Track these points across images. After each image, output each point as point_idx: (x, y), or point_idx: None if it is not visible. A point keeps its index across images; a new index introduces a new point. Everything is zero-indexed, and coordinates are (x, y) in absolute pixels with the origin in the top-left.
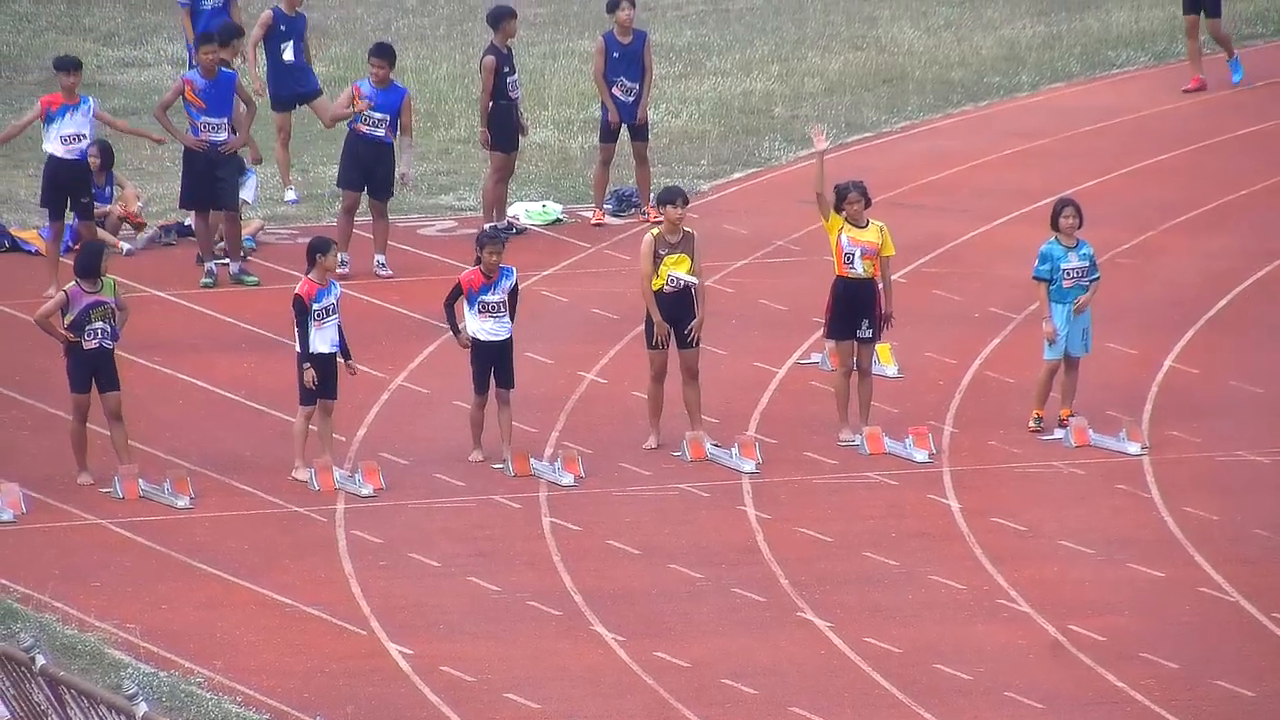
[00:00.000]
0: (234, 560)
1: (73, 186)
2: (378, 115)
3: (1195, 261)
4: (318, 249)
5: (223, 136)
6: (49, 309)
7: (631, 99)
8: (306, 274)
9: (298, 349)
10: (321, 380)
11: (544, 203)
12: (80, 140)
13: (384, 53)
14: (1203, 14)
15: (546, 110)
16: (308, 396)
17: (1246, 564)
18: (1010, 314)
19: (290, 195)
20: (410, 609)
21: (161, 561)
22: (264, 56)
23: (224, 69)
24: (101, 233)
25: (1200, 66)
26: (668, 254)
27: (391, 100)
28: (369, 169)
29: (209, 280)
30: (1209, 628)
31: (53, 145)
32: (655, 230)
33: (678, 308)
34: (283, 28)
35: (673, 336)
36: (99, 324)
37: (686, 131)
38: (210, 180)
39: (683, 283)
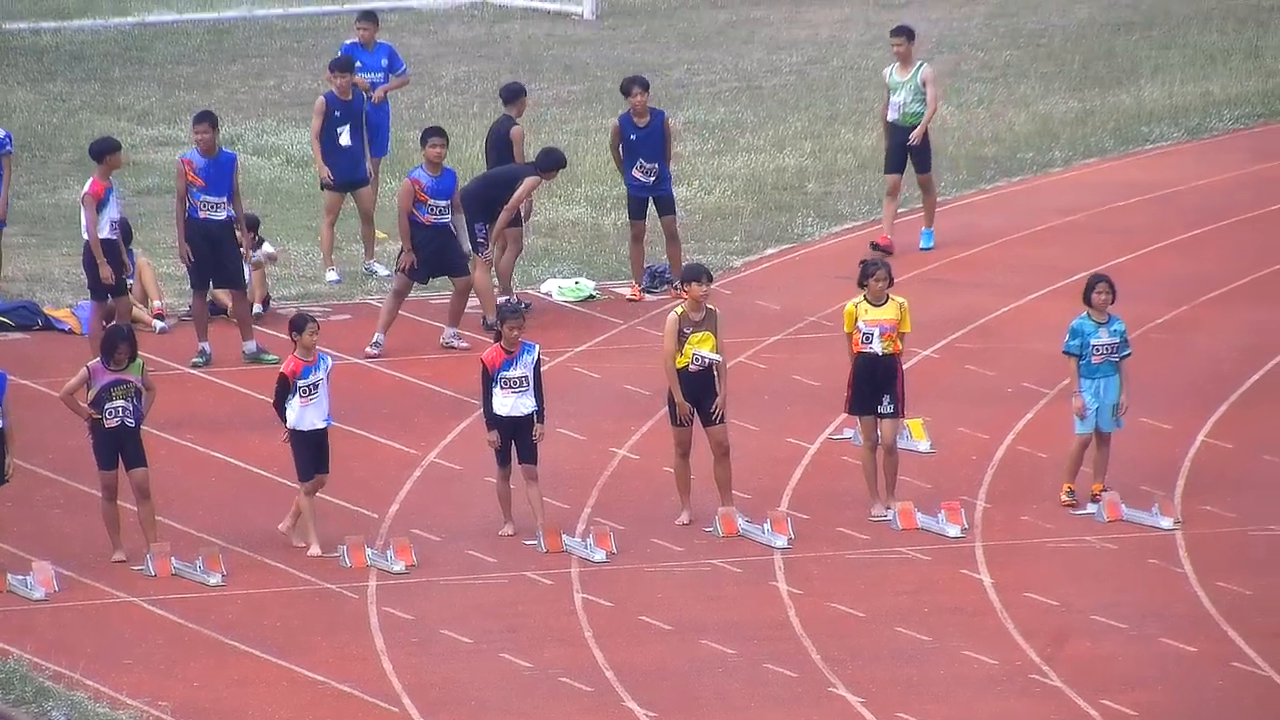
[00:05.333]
0: (266, 637)
1: (119, 267)
2: (442, 203)
3: (1228, 336)
4: (293, 327)
5: (221, 216)
6: (72, 385)
7: (651, 179)
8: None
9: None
10: (319, 454)
11: (577, 279)
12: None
13: (442, 133)
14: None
15: (579, 187)
16: (308, 472)
17: (1279, 638)
18: (1043, 389)
19: (332, 275)
20: (442, 686)
21: (194, 639)
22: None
23: (224, 150)
24: (138, 309)
25: (891, 228)
26: (692, 332)
27: (447, 185)
28: (440, 252)
29: (199, 360)
30: (1242, 703)
31: (105, 231)
32: (680, 308)
33: (700, 385)
34: (338, 113)
35: (696, 415)
36: (120, 402)
37: (720, 208)
38: (211, 260)
39: (707, 360)
